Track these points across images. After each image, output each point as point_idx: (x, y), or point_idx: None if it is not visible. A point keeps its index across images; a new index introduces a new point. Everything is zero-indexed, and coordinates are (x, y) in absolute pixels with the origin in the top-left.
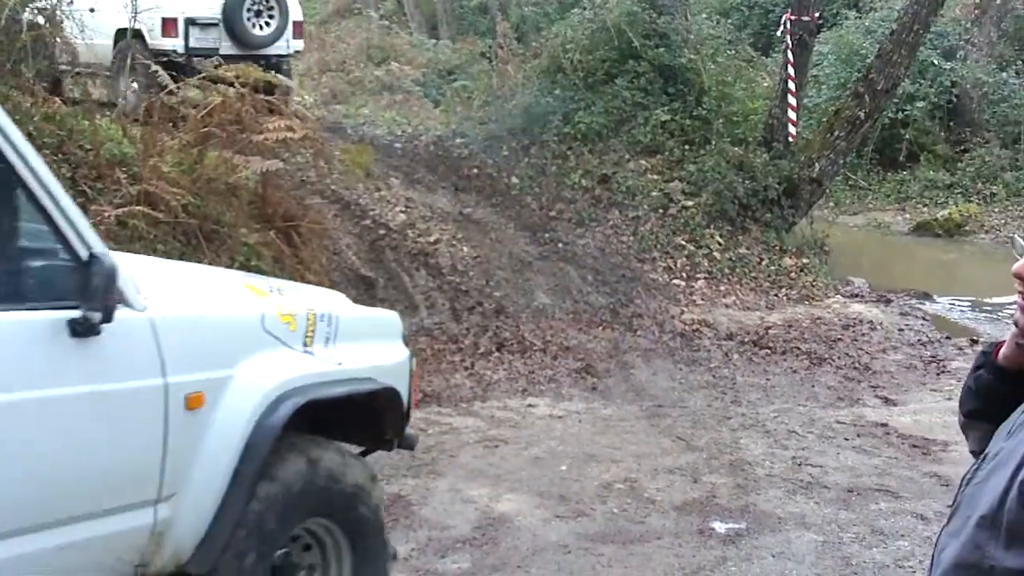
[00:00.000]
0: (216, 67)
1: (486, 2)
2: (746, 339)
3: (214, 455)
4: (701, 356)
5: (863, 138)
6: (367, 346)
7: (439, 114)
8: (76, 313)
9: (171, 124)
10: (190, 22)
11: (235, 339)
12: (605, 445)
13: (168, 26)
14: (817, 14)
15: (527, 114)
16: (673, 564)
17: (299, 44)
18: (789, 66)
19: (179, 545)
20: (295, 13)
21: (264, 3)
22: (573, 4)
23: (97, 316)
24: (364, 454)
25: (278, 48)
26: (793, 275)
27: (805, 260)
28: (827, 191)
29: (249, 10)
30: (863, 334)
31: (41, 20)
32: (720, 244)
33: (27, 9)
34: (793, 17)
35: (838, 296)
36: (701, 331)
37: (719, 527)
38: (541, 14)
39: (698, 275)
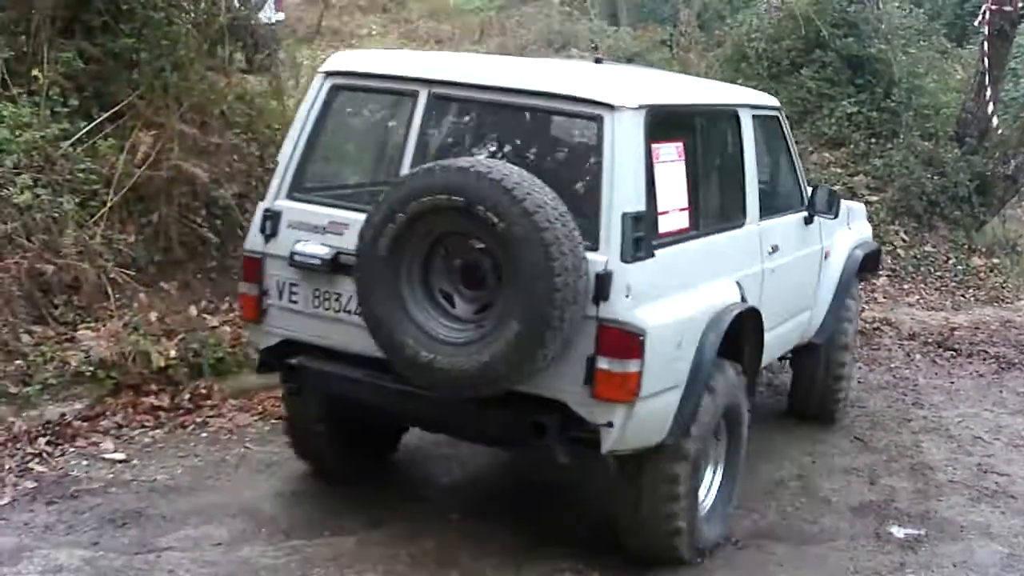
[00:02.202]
0: None
1: None
2: (929, 340)
3: (829, 282)
4: (882, 356)
5: None
6: (861, 223)
7: None
8: (805, 213)
9: None
10: None
11: (832, 223)
12: (779, 442)
13: None
14: (1020, 3)
15: None
16: (848, 567)
17: (280, 15)
18: (986, 58)
19: (812, 329)
20: None
21: None
22: None
23: (830, 217)
24: None
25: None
26: (982, 275)
27: (995, 260)
28: (1022, 189)
29: None
30: None
31: (237, 3)
32: (905, 241)
33: None
34: (994, 7)
35: None
36: (882, 330)
37: (897, 532)
38: (724, 2)
39: (880, 272)
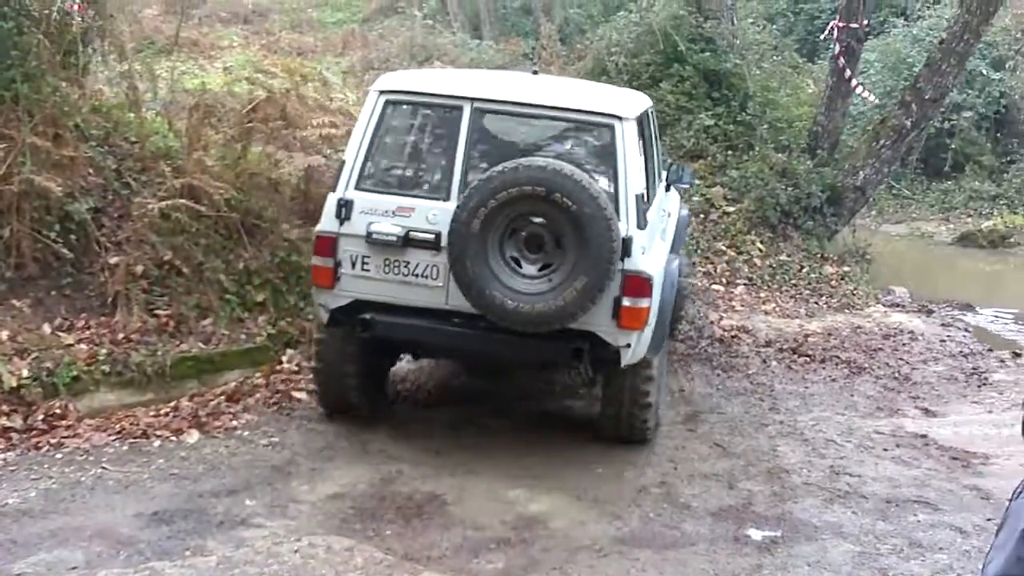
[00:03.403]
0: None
1: (530, 3)
2: (785, 346)
3: (671, 231)
4: (739, 362)
5: (908, 147)
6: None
7: None
8: (666, 183)
9: (216, 118)
10: None
11: (671, 197)
12: (642, 449)
13: None
14: (865, 22)
15: None
16: (708, 570)
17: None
18: (846, 71)
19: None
20: None
21: None
22: (618, 7)
23: (685, 188)
24: None
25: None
26: (834, 283)
27: (846, 268)
28: (870, 200)
29: None
30: (904, 344)
31: (91, 12)
32: (761, 250)
33: (77, 1)
34: (841, 24)
35: (879, 305)
36: (740, 337)
37: (755, 535)
38: (585, 16)
39: (738, 281)
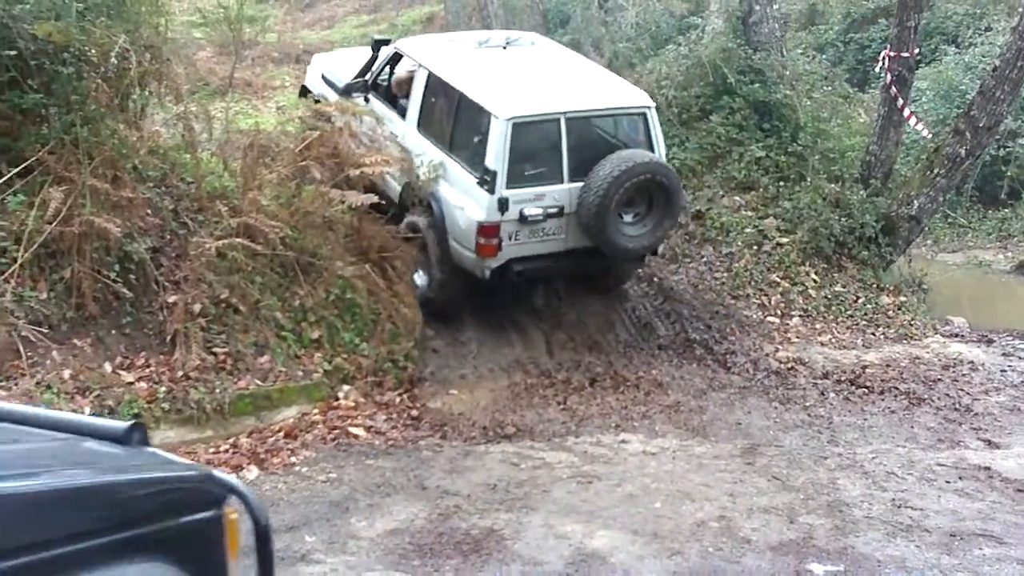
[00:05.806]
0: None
1: (578, 38)
2: (842, 378)
3: None
4: (796, 395)
5: (963, 175)
6: None
7: None
8: None
9: (270, 158)
10: None
11: None
12: (699, 483)
13: None
14: (916, 50)
15: None
16: None
17: None
18: (898, 100)
19: None
20: None
21: None
22: (667, 40)
23: None
24: None
25: None
26: (891, 314)
27: (903, 298)
28: (926, 229)
29: None
30: (964, 374)
31: (148, 56)
32: (815, 281)
33: (133, 46)
34: (892, 53)
35: (937, 335)
36: (796, 369)
37: (817, 569)
38: (634, 50)
39: (793, 312)
